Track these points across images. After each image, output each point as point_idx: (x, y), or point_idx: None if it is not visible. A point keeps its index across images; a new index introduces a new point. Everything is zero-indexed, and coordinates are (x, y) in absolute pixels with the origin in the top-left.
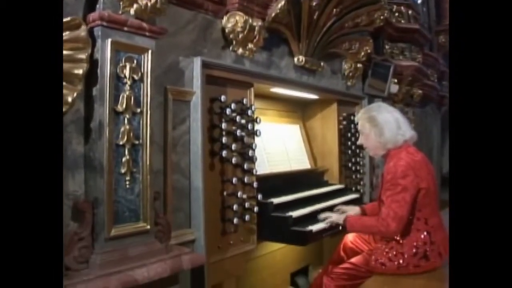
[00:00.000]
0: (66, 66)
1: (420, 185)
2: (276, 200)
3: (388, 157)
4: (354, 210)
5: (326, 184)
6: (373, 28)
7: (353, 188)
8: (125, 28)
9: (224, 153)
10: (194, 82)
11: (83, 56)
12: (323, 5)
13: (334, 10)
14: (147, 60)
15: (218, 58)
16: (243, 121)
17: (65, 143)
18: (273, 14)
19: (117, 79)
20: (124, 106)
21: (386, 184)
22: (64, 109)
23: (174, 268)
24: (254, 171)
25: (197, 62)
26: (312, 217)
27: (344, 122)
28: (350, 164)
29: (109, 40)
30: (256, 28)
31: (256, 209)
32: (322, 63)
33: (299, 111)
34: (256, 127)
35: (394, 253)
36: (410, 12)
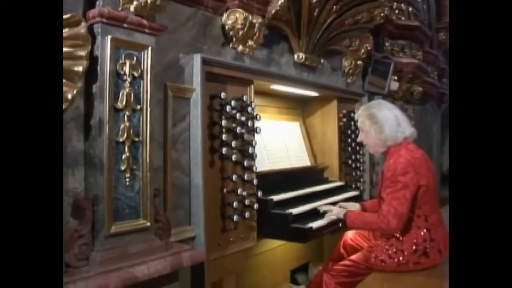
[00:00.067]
0: (66, 63)
1: (420, 182)
2: (276, 197)
3: (388, 154)
4: (354, 207)
5: (326, 181)
6: (373, 25)
7: (353, 185)
8: (125, 25)
9: (224, 150)
10: (194, 79)
11: (82, 53)
12: (323, 2)
13: (334, 7)
14: (147, 57)
15: (218, 55)
16: (243, 118)
17: (65, 140)
18: (273, 11)
19: (117, 76)
20: (124, 103)
21: (386, 181)
22: (64, 106)
23: (174, 265)
24: (254, 168)
25: (197, 59)
26: (312, 214)
27: (344, 119)
28: (350, 161)
29: (109, 37)
30: (256, 25)
31: (256, 206)
32: (322, 60)
33: (299, 108)
34: (256, 124)
35: (394, 250)
36: (410, 9)
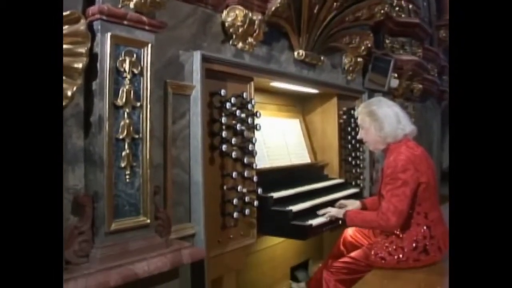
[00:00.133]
0: (65, 60)
1: (420, 179)
2: (276, 194)
3: (388, 151)
4: (354, 204)
5: (326, 178)
6: (373, 22)
7: (353, 183)
8: (125, 22)
9: (224, 147)
10: (194, 76)
11: (82, 50)
12: None
13: (335, 4)
14: (147, 54)
15: (218, 52)
16: (243, 115)
17: (65, 137)
18: (273, 8)
19: (116, 73)
20: (124, 100)
21: (386, 179)
22: (64, 103)
23: (174, 262)
24: (254, 165)
25: (197, 56)
26: (312, 211)
27: (344, 117)
28: (350, 159)
29: (109, 34)
30: (256, 22)
31: (256, 203)
32: (322, 57)
33: (299, 105)
34: (256, 121)
35: (394, 247)
36: (410, 6)
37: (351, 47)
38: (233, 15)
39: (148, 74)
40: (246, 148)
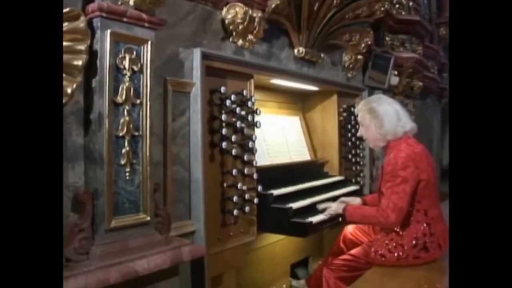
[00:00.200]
0: (65, 57)
1: (420, 177)
2: (276, 192)
3: (388, 148)
4: (355, 201)
5: (326, 175)
6: (373, 20)
7: (353, 180)
8: (125, 19)
9: (224, 144)
10: (194, 74)
11: (82, 47)
12: None
13: (335, 1)
14: (147, 51)
15: (218, 50)
16: (243, 113)
17: (65, 135)
18: (273, 5)
19: (116, 70)
20: (123, 97)
21: (386, 176)
22: (63, 101)
23: (174, 259)
24: (254, 162)
25: (196, 53)
26: (312, 209)
27: (344, 114)
28: (350, 156)
29: (108, 31)
30: (256, 19)
31: (256, 200)
32: (322, 55)
33: (299, 102)
34: (256, 118)
35: (394, 244)
36: (410, 3)
37: (351, 44)
38: (233, 12)
39: (148, 71)
40: (246, 145)
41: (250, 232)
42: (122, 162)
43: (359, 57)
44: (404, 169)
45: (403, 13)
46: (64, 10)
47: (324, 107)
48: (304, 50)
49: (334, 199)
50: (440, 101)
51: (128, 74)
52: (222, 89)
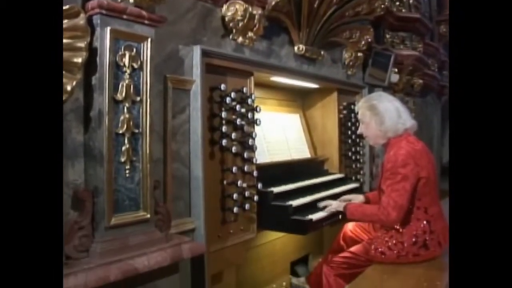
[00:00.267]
0: (65, 54)
1: (420, 174)
2: (276, 189)
3: (389, 146)
4: (358, 198)
5: (326, 173)
6: (373, 17)
7: (353, 178)
8: (124, 16)
9: (224, 142)
10: (194, 71)
11: (82, 44)
12: None
13: None
14: (147, 49)
15: (218, 47)
16: (243, 110)
17: (65, 132)
18: (273, 3)
19: (116, 68)
20: (123, 94)
21: (386, 173)
22: (63, 98)
23: (174, 257)
24: (254, 160)
25: (196, 50)
26: (312, 206)
27: (344, 111)
28: (350, 154)
29: (108, 29)
30: (256, 16)
31: (256, 198)
32: (322, 52)
33: (299, 100)
34: (256, 116)
35: (394, 242)
36: (411, 1)
37: (351, 41)
38: (233, 9)
39: (148, 68)
40: (246, 143)
41: (250, 229)
42: (122, 159)
43: (359, 54)
44: (404, 167)
45: (403, 10)
46: (64, 7)
47: (324, 105)
48: (304, 48)
49: (334, 196)
50: (440, 99)
51: (128, 71)
52: (222, 86)
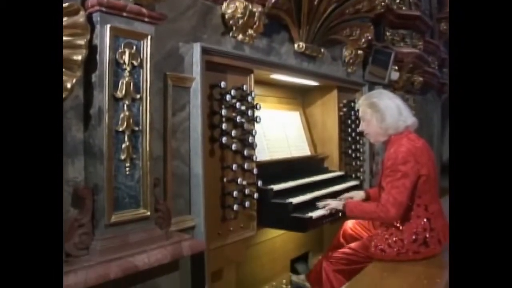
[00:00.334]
0: (65, 52)
1: (421, 172)
2: (276, 187)
3: (389, 143)
4: (359, 194)
5: (326, 171)
6: (374, 15)
7: (353, 175)
8: (124, 14)
9: (224, 139)
10: (194, 68)
11: (82, 42)
12: None
13: None
14: (147, 46)
15: (218, 44)
16: (243, 108)
17: (65, 130)
18: (273, 0)
19: (116, 65)
20: (123, 92)
21: (387, 170)
22: (63, 96)
23: (174, 254)
24: (254, 157)
25: (196, 48)
26: (312, 204)
27: (345, 109)
28: (350, 151)
29: (108, 26)
30: (256, 14)
31: (256, 195)
32: (322, 50)
33: (299, 97)
34: (256, 113)
35: (394, 239)
36: None
37: (352, 39)
38: (233, 7)
39: (147, 66)
40: (246, 140)
41: (250, 227)
42: (122, 157)
43: (360, 52)
44: (404, 164)
45: (403, 8)
46: (64, 5)
47: (324, 102)
48: (304, 45)
49: (334, 194)
50: (440, 96)
51: (128, 69)
52: (222, 84)
